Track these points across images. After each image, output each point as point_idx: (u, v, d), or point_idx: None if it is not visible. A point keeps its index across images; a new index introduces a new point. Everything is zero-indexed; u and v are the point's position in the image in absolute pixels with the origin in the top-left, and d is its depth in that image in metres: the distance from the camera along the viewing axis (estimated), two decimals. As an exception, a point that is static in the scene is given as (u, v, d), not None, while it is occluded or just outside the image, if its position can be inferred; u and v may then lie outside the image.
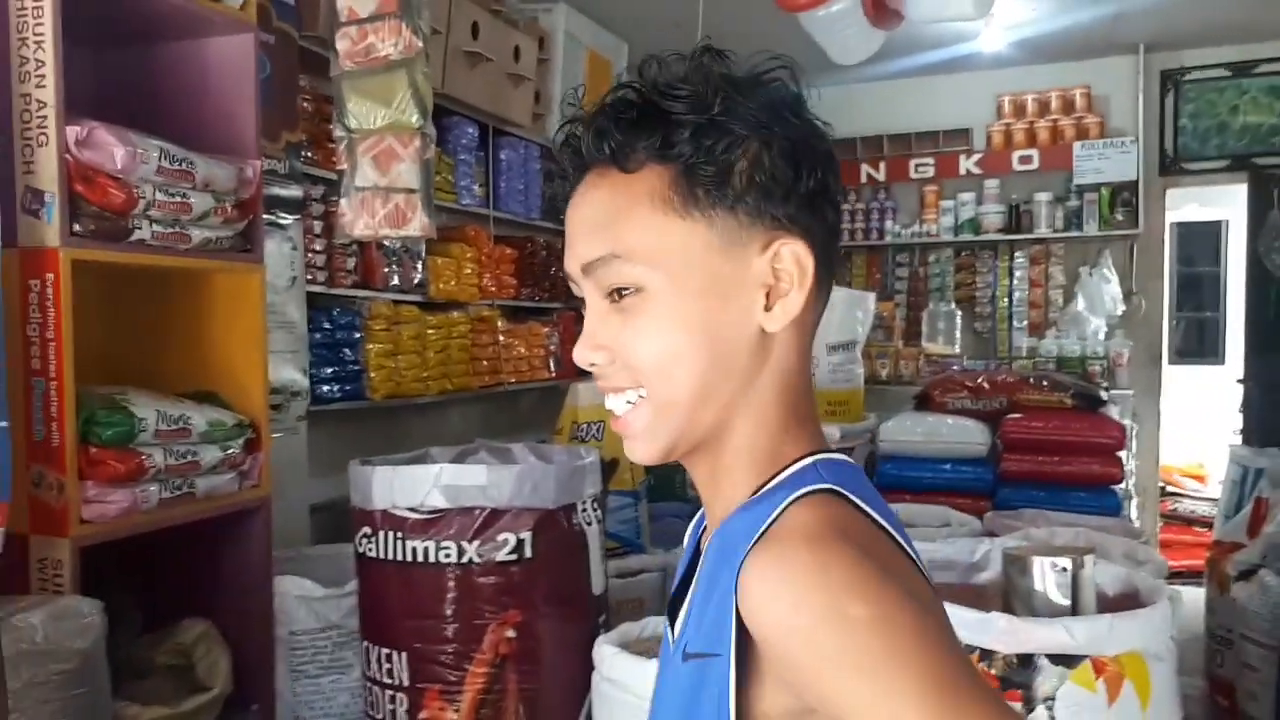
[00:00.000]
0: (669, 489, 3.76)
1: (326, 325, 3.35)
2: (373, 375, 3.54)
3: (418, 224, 2.61)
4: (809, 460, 0.75)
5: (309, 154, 3.23)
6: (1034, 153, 6.06)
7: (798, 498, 0.70)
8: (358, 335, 3.48)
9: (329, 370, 3.37)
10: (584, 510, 2.01)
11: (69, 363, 1.92)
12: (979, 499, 3.76)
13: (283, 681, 2.44)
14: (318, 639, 2.47)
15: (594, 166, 0.76)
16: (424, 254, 3.82)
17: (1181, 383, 6.93)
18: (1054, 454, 3.78)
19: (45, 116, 1.91)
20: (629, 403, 0.76)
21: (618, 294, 0.75)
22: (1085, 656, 1.50)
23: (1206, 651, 4.18)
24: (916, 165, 6.30)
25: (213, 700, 2.21)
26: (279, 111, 2.89)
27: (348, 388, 3.46)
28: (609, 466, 2.57)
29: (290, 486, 2.90)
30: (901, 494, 3.71)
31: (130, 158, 1.99)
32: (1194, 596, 4.13)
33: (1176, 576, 3.80)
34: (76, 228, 1.94)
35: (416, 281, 3.83)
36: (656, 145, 0.72)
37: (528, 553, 1.89)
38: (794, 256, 0.73)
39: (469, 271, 4.26)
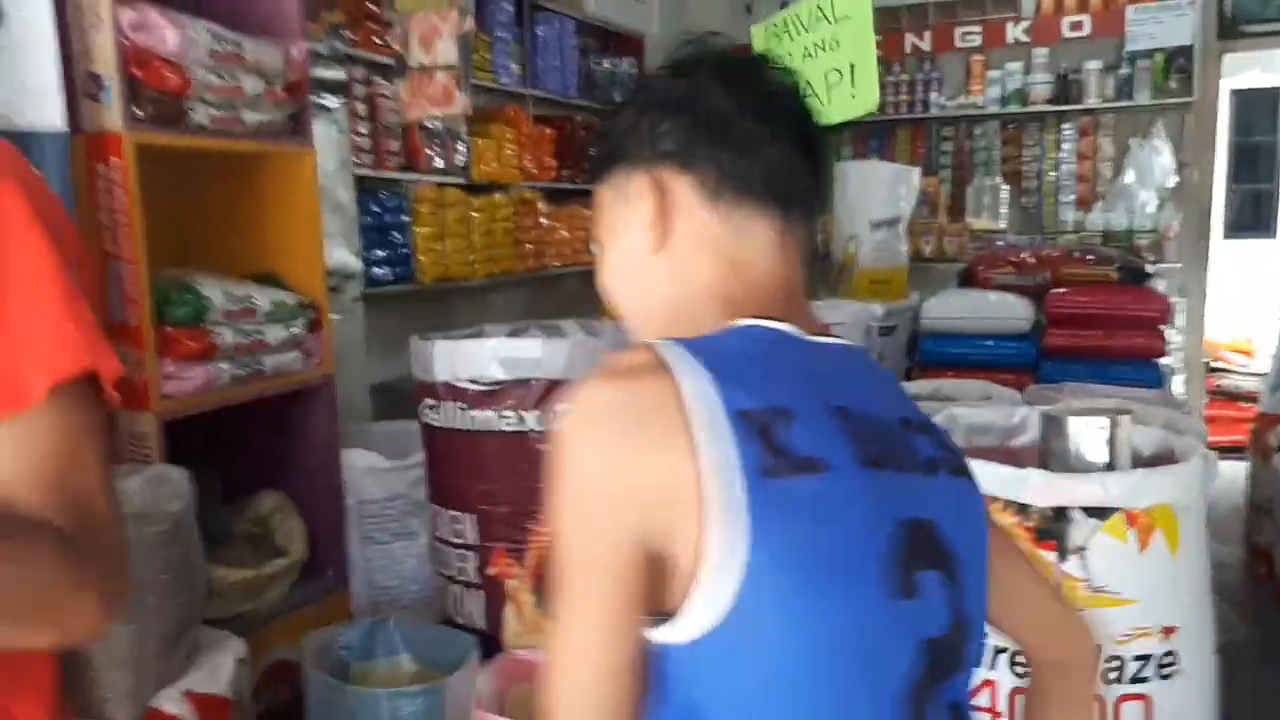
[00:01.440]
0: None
1: (375, 208, 3.39)
2: (422, 258, 3.61)
3: (460, 102, 2.63)
4: None
5: (349, 34, 3.22)
6: (1085, 18, 5.84)
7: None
8: (405, 218, 3.53)
9: (380, 253, 3.43)
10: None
11: (142, 245, 1.99)
12: (1022, 374, 3.78)
13: (354, 548, 2.58)
14: (385, 508, 2.59)
15: None
16: (465, 135, 3.83)
17: (1234, 257, 6.82)
18: (1097, 328, 3.78)
19: (98, 1, 1.93)
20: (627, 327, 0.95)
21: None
22: (1118, 509, 1.57)
23: (1247, 521, 4.24)
24: (963, 34, 6.11)
25: (291, 565, 2.36)
26: (319, -9, 2.89)
27: (398, 270, 3.53)
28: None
29: (349, 366, 3.00)
30: (944, 370, 3.75)
31: (182, 39, 2.02)
32: (1237, 469, 4.18)
33: (1222, 451, 3.84)
34: (137, 112, 1.99)
35: (459, 164, 3.85)
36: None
37: (584, 420, 1.97)
38: (642, 189, 0.89)
39: (510, 153, 4.26)
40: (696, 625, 0.73)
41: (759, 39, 2.75)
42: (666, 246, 0.89)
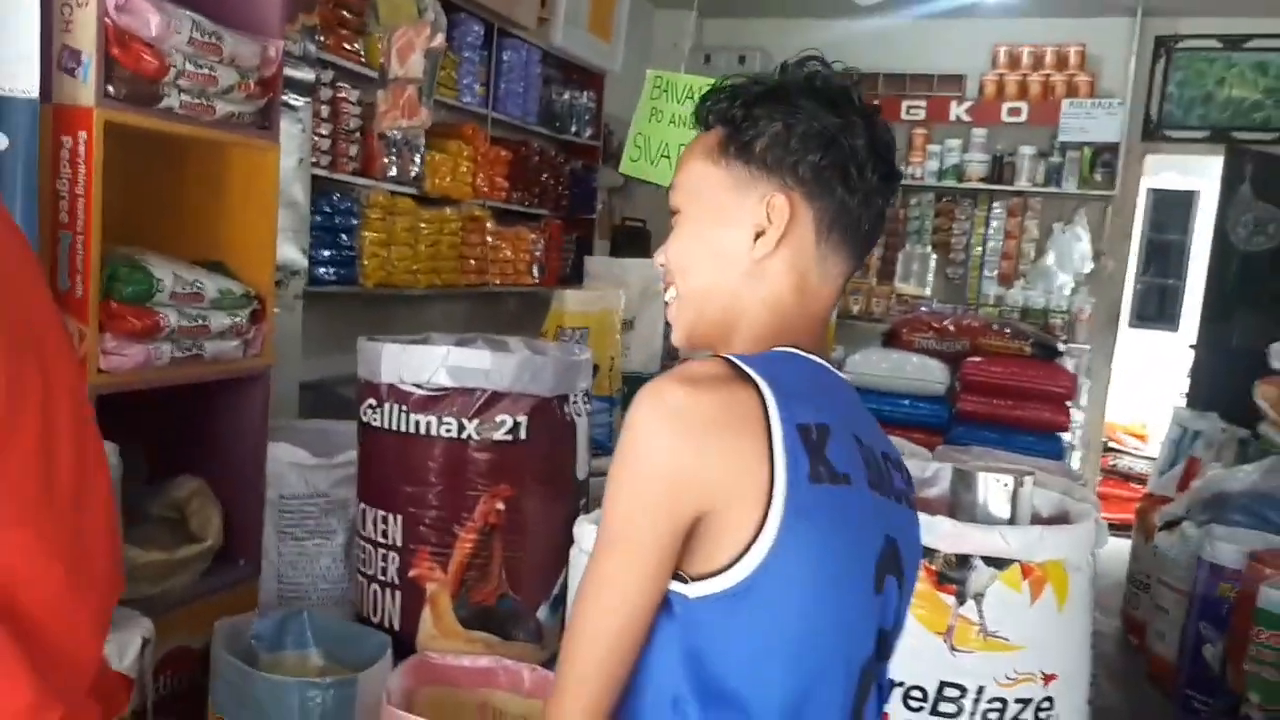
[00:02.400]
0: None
1: (326, 209, 3.43)
2: (366, 262, 3.64)
3: (422, 114, 2.70)
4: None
5: (321, 38, 3.27)
6: (1024, 105, 6.18)
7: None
8: (355, 222, 3.57)
9: (326, 253, 3.46)
10: (575, 402, 2.16)
11: (97, 220, 2.01)
12: (933, 434, 3.97)
13: (269, 541, 2.58)
14: (306, 504, 2.61)
15: (697, 126, 1.06)
16: (423, 148, 3.88)
17: (1137, 345, 7.19)
18: (1008, 398, 3.99)
19: (86, -23, 1.96)
20: (670, 296, 1.04)
21: (674, 214, 1.03)
22: (1015, 560, 1.70)
23: (1125, 595, 4.48)
24: (909, 107, 6.39)
25: (204, 551, 2.36)
26: (296, -8, 2.93)
27: (341, 272, 3.56)
28: (590, 370, 2.71)
29: (284, 361, 3.00)
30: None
31: (165, 26, 2.05)
32: (1121, 547, 4.42)
33: (1111, 528, 4.06)
34: (110, 90, 2.01)
35: (414, 175, 3.90)
36: (719, 114, 1.01)
37: (522, 435, 2.04)
38: (780, 207, 0.97)
39: (464, 170, 4.33)
40: (717, 587, 0.87)
41: (649, 83, 2.92)
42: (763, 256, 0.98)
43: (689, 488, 0.87)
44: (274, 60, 2.39)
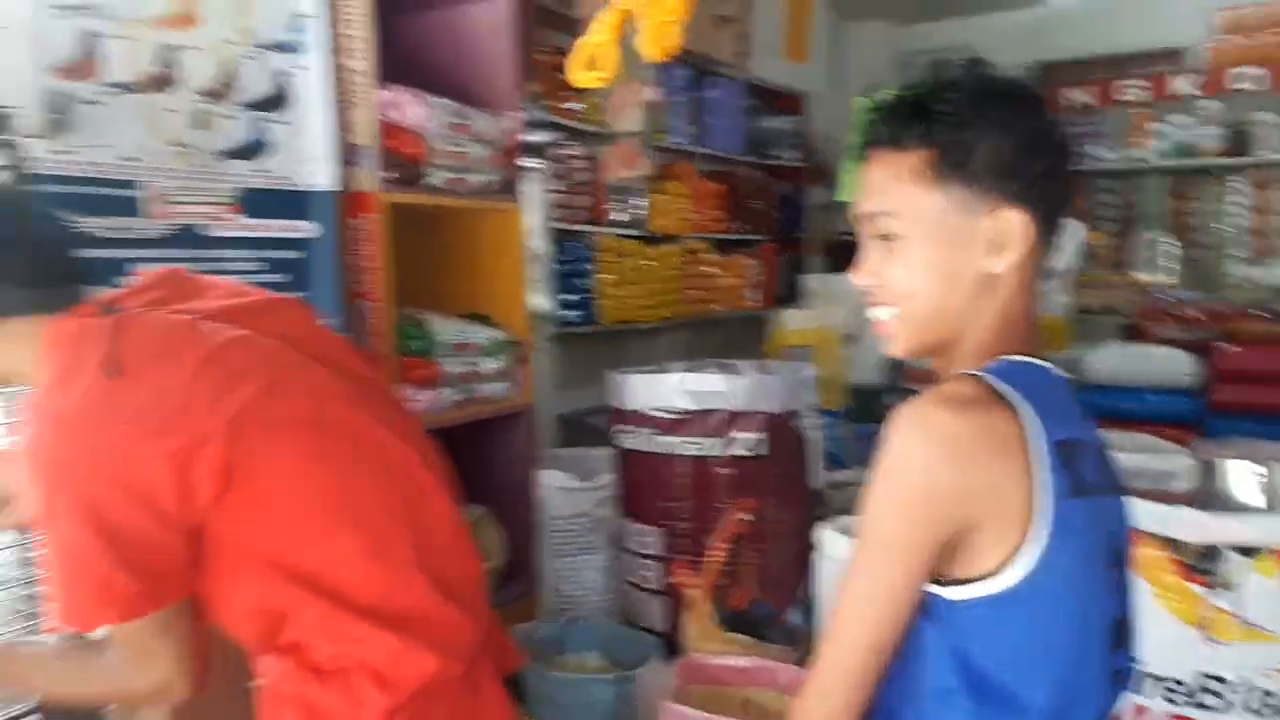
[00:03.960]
0: (870, 412, 3.98)
1: (566, 257, 3.75)
2: (604, 302, 3.94)
3: (643, 163, 2.93)
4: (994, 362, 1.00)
5: (546, 103, 3.60)
6: (1258, 71, 5.75)
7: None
8: (589, 266, 3.88)
9: (568, 297, 3.79)
10: (804, 416, 2.30)
11: (386, 287, 2.35)
12: (1183, 429, 3.78)
13: (544, 560, 2.87)
14: (572, 524, 2.87)
15: (882, 143, 1.03)
16: (644, 191, 4.16)
17: None
18: (1270, 386, 3.75)
19: (361, 83, 2.31)
20: (885, 315, 1.04)
21: (883, 238, 1.02)
22: (1268, 548, 1.68)
23: None
24: (1126, 87, 6.10)
25: (492, 570, 2.66)
26: (522, 65, 3.26)
27: (582, 313, 3.87)
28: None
29: (540, 397, 3.32)
30: (1104, 422, 3.77)
31: (426, 116, 2.39)
32: None
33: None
34: (385, 175, 2.36)
35: (637, 217, 4.18)
36: (920, 134, 0.98)
37: (761, 449, 2.20)
38: (1011, 222, 0.97)
39: (681, 206, 4.57)
40: (980, 591, 0.93)
41: (859, 111, 2.98)
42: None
43: (950, 508, 0.91)
44: (513, 131, 2.69)
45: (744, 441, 2.19)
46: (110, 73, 1.77)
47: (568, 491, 2.82)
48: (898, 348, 1.05)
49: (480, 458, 2.79)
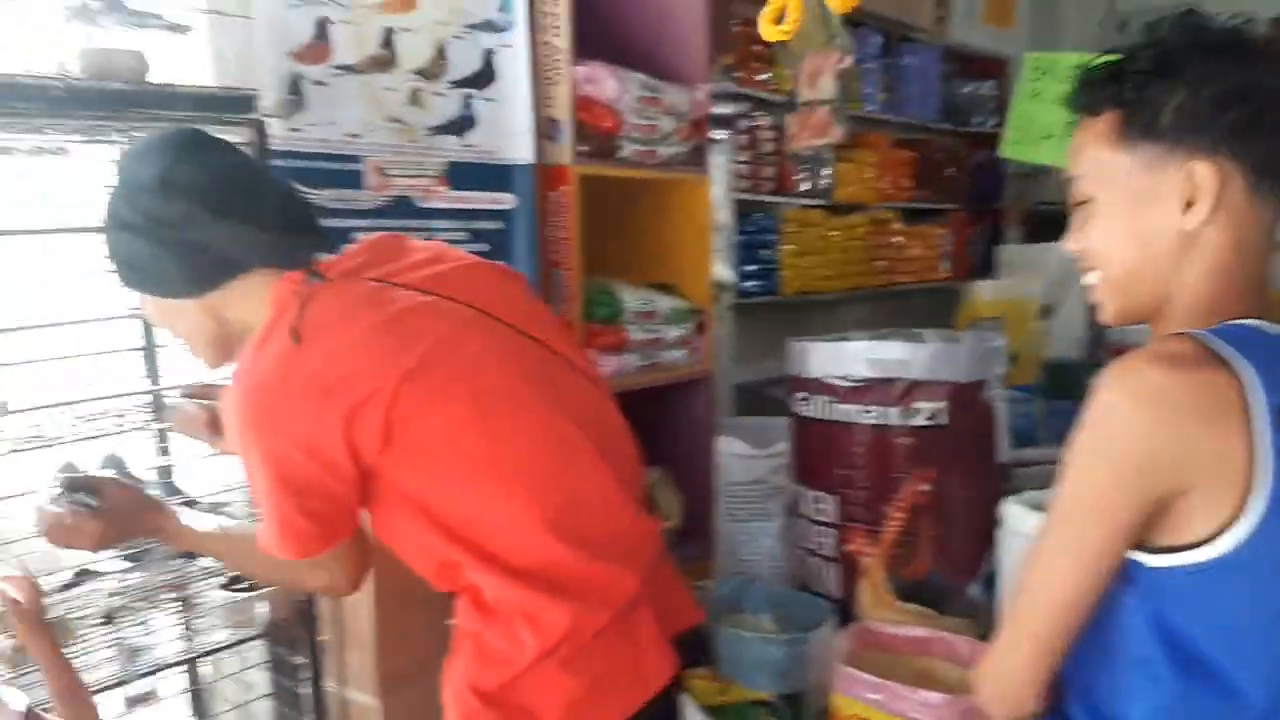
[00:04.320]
0: (1066, 388, 3.81)
1: (749, 228, 3.80)
2: (785, 273, 3.96)
3: (836, 132, 2.92)
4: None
5: (737, 74, 3.64)
6: None
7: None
8: (773, 237, 3.90)
9: (749, 267, 3.83)
10: (992, 387, 2.26)
11: (578, 256, 2.47)
12: None
13: (720, 523, 2.95)
14: (748, 490, 2.94)
15: (1081, 109, 1.03)
16: (831, 160, 4.14)
17: None
18: None
19: (559, 59, 2.42)
20: (1093, 280, 1.03)
21: (1082, 203, 1.02)
22: None
23: None
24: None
25: (670, 530, 2.76)
26: (714, 37, 3.30)
27: (763, 283, 3.91)
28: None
29: (719, 366, 3.39)
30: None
31: (619, 89, 2.48)
32: None
33: None
34: (580, 148, 2.47)
35: (823, 186, 4.16)
36: (1110, 96, 0.98)
37: (942, 420, 2.19)
38: (1200, 175, 0.93)
39: (869, 175, 4.51)
40: (1187, 560, 0.89)
41: (1026, 66, 2.84)
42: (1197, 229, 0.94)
43: (1161, 470, 0.87)
44: (703, 104, 2.75)
45: (926, 411, 2.18)
46: (338, 55, 1.95)
47: (744, 459, 2.89)
48: (1106, 313, 1.03)
49: (661, 422, 2.89)
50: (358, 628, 1.96)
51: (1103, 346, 3.53)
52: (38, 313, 1.71)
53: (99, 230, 1.23)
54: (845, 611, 2.33)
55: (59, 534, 1.30)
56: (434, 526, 1.22)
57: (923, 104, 4.95)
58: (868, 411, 2.21)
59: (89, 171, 1.58)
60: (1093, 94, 0.99)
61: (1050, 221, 5.79)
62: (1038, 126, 3.03)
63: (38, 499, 1.32)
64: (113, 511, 1.31)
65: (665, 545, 1.41)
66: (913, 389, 2.18)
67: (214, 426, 1.45)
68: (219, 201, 1.18)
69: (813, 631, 2.16)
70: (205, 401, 1.47)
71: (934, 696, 1.86)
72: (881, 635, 2.18)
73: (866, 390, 2.22)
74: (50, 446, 1.50)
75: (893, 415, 2.20)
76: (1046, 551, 0.94)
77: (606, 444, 1.33)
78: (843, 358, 2.25)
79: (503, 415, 1.22)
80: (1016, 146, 3.12)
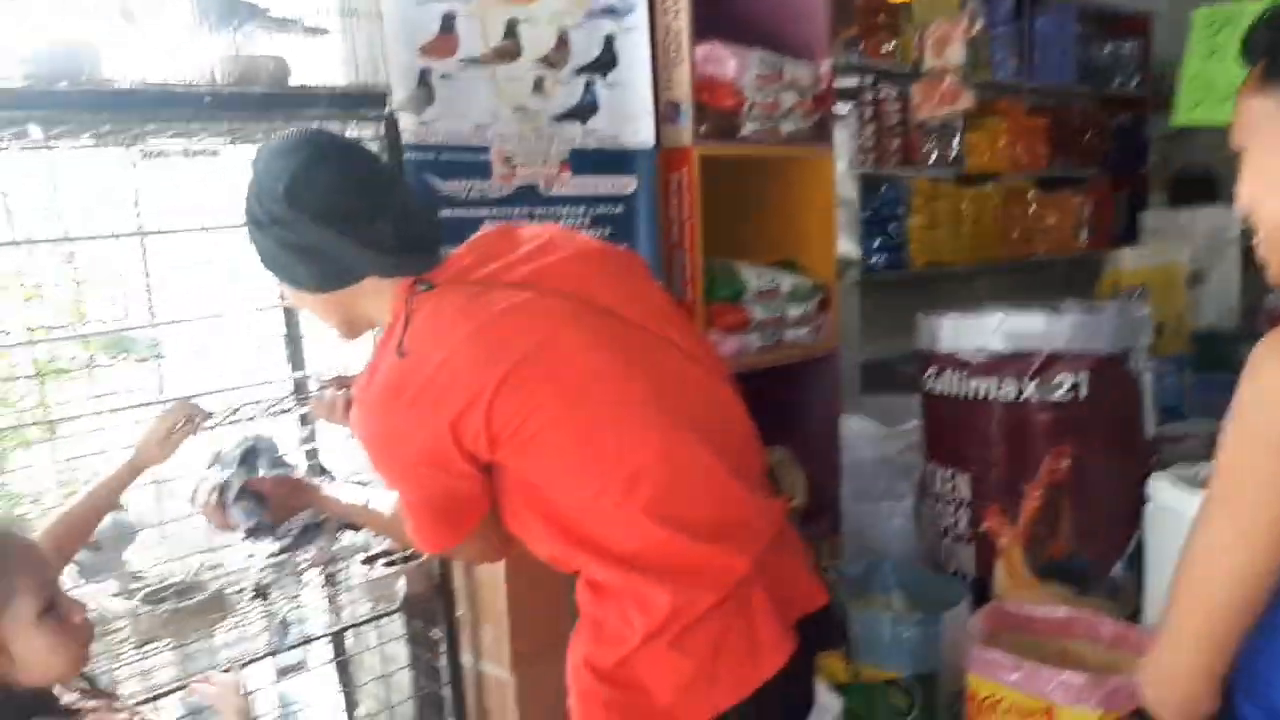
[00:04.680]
0: (1217, 359, 3.61)
1: (875, 202, 3.72)
2: (914, 247, 3.87)
3: (965, 99, 2.83)
4: None
5: (860, 46, 3.56)
6: None
7: None
8: (900, 210, 3.81)
9: (876, 242, 3.75)
10: (1137, 358, 2.16)
11: (699, 238, 2.47)
12: None
13: (846, 504, 2.91)
14: (878, 469, 2.90)
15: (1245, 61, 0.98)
16: (961, 130, 4.01)
17: None
18: None
19: (679, 42, 2.42)
20: (1258, 238, 0.97)
21: (1239, 154, 0.96)
22: None
23: None
24: None
25: (795, 509, 2.75)
26: (835, 10, 3.24)
27: (890, 258, 3.82)
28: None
29: (844, 343, 3.34)
30: None
31: (740, 68, 2.46)
32: None
33: None
34: (701, 129, 2.46)
35: (953, 157, 4.04)
36: (1261, 41, 0.94)
37: (1083, 393, 2.10)
38: None
39: (1002, 144, 4.35)
40: None
41: (1197, 22, 2.66)
42: None
43: None
44: (825, 78, 2.70)
45: (1065, 385, 2.10)
46: (464, 48, 2.00)
47: (872, 437, 2.84)
48: (1270, 272, 0.96)
49: (785, 402, 2.87)
50: (492, 604, 2.03)
51: (1261, 314, 3.32)
52: (194, 306, 1.84)
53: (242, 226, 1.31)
54: (979, 591, 2.28)
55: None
56: (543, 515, 1.27)
57: (1059, 67, 4.73)
58: (1004, 386, 2.14)
59: (237, 171, 1.68)
60: (1249, 41, 0.95)
61: (1198, 184, 5.48)
62: (1219, 87, 2.82)
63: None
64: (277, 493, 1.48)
65: (789, 526, 1.40)
66: (1051, 361, 2.10)
67: (350, 412, 1.53)
68: (338, 216, 1.24)
69: (947, 611, 2.12)
70: (342, 391, 1.56)
71: (1077, 677, 1.81)
72: (1019, 616, 2.13)
73: (1002, 364, 2.16)
74: (210, 430, 1.61)
75: (1030, 389, 2.12)
76: (1207, 540, 0.88)
77: (715, 427, 1.33)
78: (976, 331, 2.19)
79: (598, 409, 1.24)
80: (1195, 111, 2.93)
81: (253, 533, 1.49)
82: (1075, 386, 2.10)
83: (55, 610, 1.18)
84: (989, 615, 2.10)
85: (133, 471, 1.50)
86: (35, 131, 1.28)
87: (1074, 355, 2.08)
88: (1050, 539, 2.17)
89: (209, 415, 1.56)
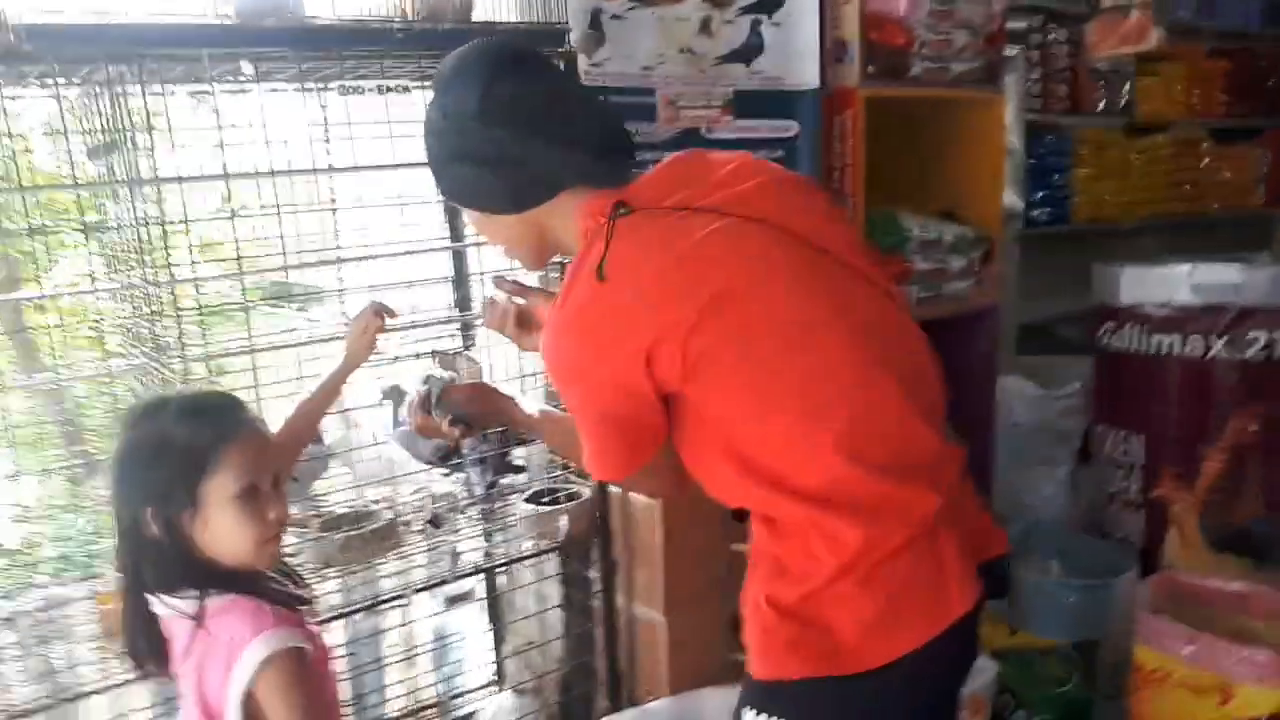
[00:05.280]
0: None
1: (1040, 151, 3.55)
2: (1078, 199, 3.68)
3: (1153, 38, 2.66)
4: None
5: (1030, -17, 3.37)
6: None
7: None
8: (1066, 160, 3.63)
9: (1039, 194, 3.59)
10: (1342, 320, 2.01)
11: (861, 183, 2.41)
12: None
13: (999, 466, 2.82)
14: (1035, 434, 2.79)
15: None
16: (1132, 75, 3.77)
17: None
18: None
19: (849, -24, 2.34)
20: None
21: None
22: None
23: None
24: None
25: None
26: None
27: (1053, 211, 3.65)
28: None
29: (1004, 301, 3.21)
30: None
31: (911, 4, 2.36)
32: None
33: None
34: (869, 69, 2.38)
35: (1123, 104, 3.81)
36: None
37: (1278, 352, 1.97)
38: None
39: (1178, 90, 4.08)
40: None
41: None
42: None
43: None
44: (998, 15, 2.57)
45: (1259, 342, 1.97)
46: (634, -12, 1.98)
47: (1030, 399, 2.74)
48: None
49: (942, 357, 2.79)
50: (648, 547, 2.05)
51: None
52: (370, 243, 1.89)
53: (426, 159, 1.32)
54: (1147, 560, 2.18)
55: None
56: (725, 450, 1.25)
57: (1245, 7, 4.39)
58: (1190, 342, 2.02)
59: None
60: None
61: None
62: None
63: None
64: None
65: (968, 473, 1.37)
66: (1244, 316, 1.97)
67: (522, 324, 1.54)
68: (536, 124, 1.23)
69: (1115, 578, 2.04)
70: (518, 300, 1.56)
71: (1260, 653, 1.72)
72: (1191, 586, 2.03)
73: (1188, 319, 2.04)
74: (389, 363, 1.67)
75: (1218, 346, 2.00)
76: None
77: (908, 367, 1.31)
78: (1163, 282, 2.07)
79: (793, 339, 1.22)
80: None
81: (441, 454, 1.57)
82: (1270, 344, 1.97)
83: (255, 497, 1.22)
84: (1159, 585, 2.01)
85: (346, 369, 1.60)
86: (247, 68, 1.32)
87: (1271, 310, 1.94)
88: (1232, 505, 2.06)
89: (395, 313, 1.63)
